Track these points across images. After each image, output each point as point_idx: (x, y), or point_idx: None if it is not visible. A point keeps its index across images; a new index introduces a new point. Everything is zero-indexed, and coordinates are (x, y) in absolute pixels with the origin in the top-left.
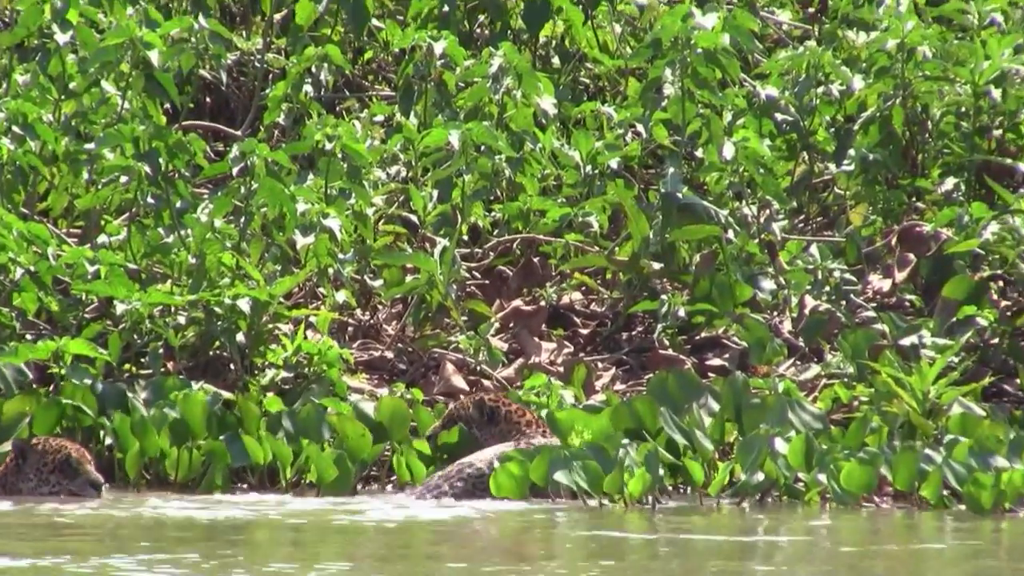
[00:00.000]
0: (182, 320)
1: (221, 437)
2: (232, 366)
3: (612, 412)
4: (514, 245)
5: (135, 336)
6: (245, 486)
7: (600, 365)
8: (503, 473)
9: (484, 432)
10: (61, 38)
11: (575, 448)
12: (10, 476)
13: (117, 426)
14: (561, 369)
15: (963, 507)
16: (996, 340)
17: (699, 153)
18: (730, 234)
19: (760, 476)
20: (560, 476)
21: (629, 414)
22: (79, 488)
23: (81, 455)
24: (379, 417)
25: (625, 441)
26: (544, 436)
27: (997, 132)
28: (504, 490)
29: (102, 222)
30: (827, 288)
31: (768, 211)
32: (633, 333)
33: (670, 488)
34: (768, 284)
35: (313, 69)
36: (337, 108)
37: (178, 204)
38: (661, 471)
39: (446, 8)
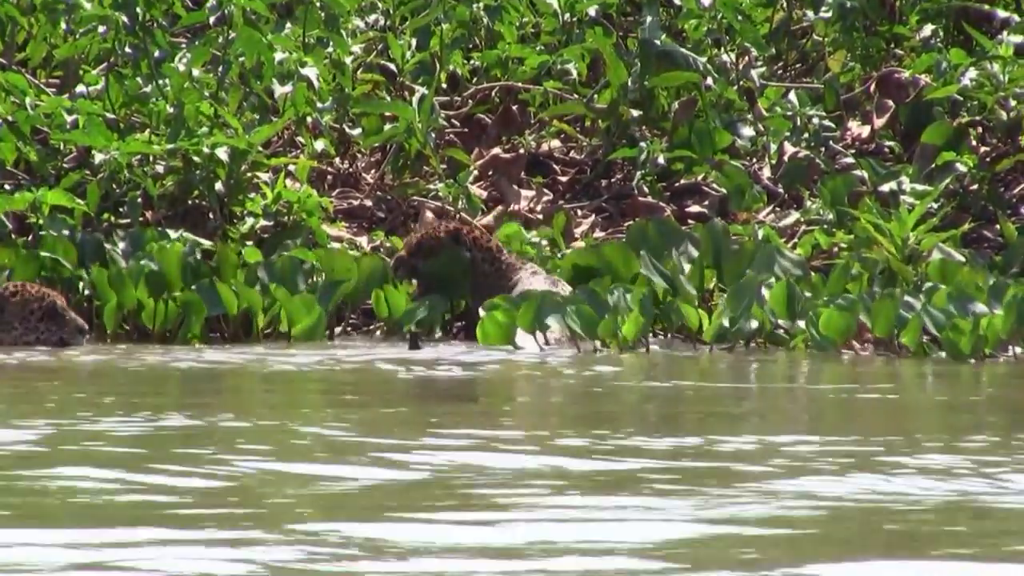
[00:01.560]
0: (160, 169)
1: (194, 287)
2: (211, 215)
3: (591, 257)
4: (493, 93)
5: (113, 186)
6: (219, 336)
7: (580, 212)
8: (489, 320)
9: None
10: None
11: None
12: None
13: (95, 278)
14: (540, 216)
15: (943, 354)
16: (975, 186)
17: (678, 1)
18: (709, 81)
19: (754, 323)
20: (552, 320)
21: (606, 259)
22: (69, 335)
23: (63, 301)
24: (360, 272)
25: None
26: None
27: None
28: (491, 337)
29: (80, 72)
30: (806, 135)
31: (747, 58)
32: (612, 180)
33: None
34: (747, 131)
35: None
36: None
37: (156, 54)
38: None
39: None
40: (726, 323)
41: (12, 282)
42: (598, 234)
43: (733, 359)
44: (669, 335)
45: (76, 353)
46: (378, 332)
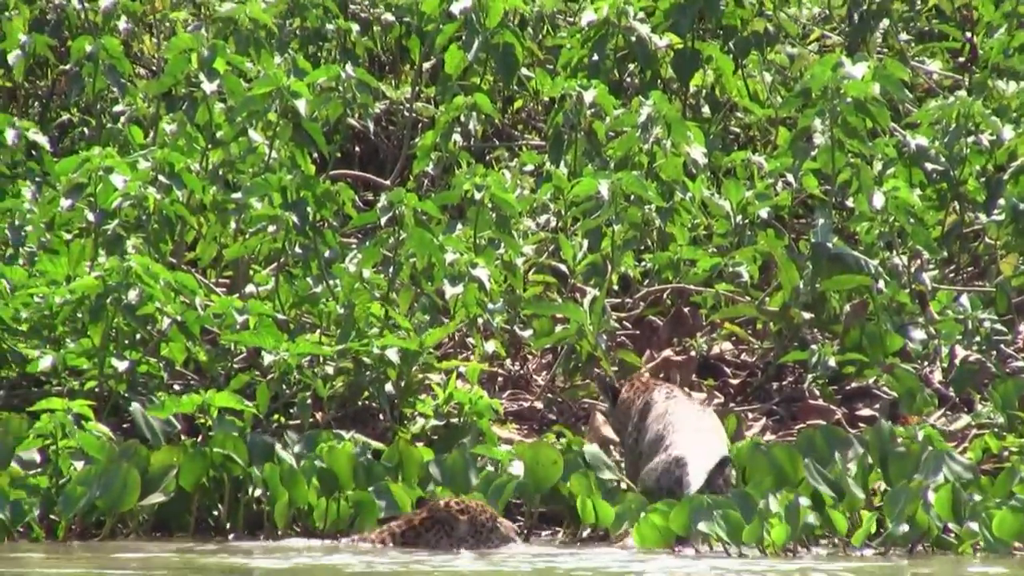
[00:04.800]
0: (330, 370)
1: (370, 488)
2: (381, 416)
3: (752, 461)
4: (664, 295)
5: (283, 387)
6: None
7: (750, 415)
8: (646, 524)
9: None
10: (208, 87)
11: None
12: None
13: (267, 475)
14: None
15: None
16: None
17: (849, 203)
18: (880, 284)
19: (905, 527)
20: (703, 526)
21: (770, 463)
22: (502, 541)
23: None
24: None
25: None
26: None
27: None
28: (648, 540)
29: (250, 272)
30: (977, 338)
31: (919, 261)
32: (783, 383)
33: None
34: (918, 334)
35: (462, 118)
36: (486, 157)
37: (326, 254)
38: (811, 518)
39: (596, 57)
40: (890, 527)
41: (445, 499)
42: (768, 437)
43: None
44: (832, 542)
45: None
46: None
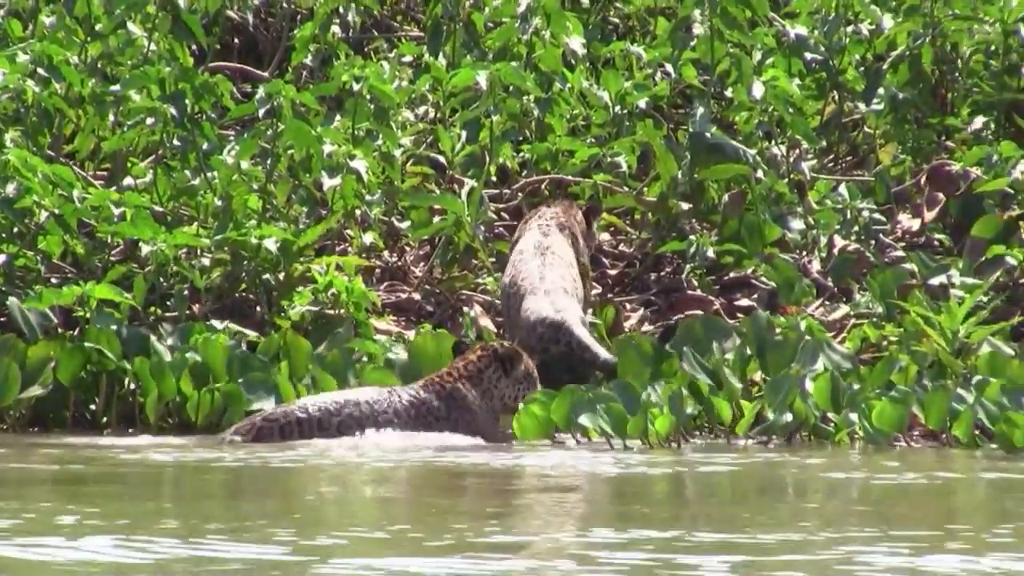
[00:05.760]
0: (207, 262)
1: (240, 380)
2: (258, 307)
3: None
4: (542, 186)
5: (160, 279)
6: None
7: (628, 306)
8: (526, 414)
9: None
10: None
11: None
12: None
13: (138, 369)
14: (590, 310)
15: (994, 446)
16: None
17: (728, 93)
18: (759, 174)
19: (788, 416)
20: (584, 419)
21: (642, 356)
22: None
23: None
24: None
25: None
26: None
27: None
28: (528, 432)
29: (128, 164)
30: (856, 228)
31: (797, 150)
32: (661, 274)
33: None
34: (797, 224)
35: (340, 9)
36: (365, 49)
37: (204, 146)
38: (689, 410)
39: None
40: (768, 416)
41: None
42: (647, 328)
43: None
44: (713, 431)
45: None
46: None
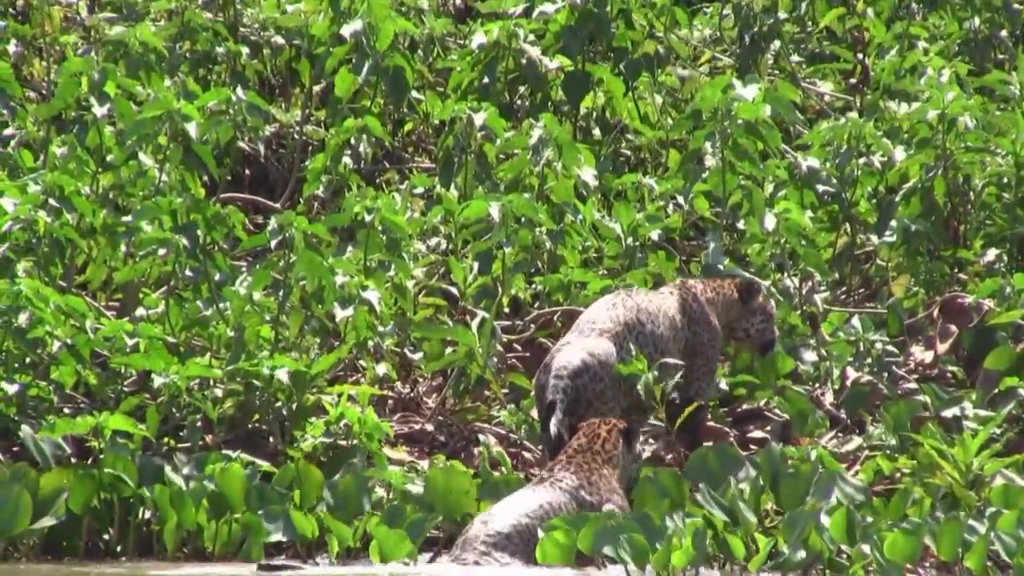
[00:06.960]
0: (220, 392)
1: (260, 511)
2: (271, 439)
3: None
4: (555, 317)
5: (173, 409)
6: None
7: (642, 437)
8: (549, 541)
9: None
10: (99, 110)
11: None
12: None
13: (157, 497)
14: None
15: None
16: None
17: (741, 225)
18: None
19: (802, 553)
20: (607, 550)
21: (661, 489)
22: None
23: None
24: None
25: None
26: None
27: None
28: (549, 557)
29: (140, 295)
30: (869, 360)
31: (810, 283)
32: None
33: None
34: (810, 356)
35: (352, 141)
36: (377, 180)
37: (216, 277)
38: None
39: (486, 80)
40: (784, 550)
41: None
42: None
43: None
44: (729, 565)
45: None
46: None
